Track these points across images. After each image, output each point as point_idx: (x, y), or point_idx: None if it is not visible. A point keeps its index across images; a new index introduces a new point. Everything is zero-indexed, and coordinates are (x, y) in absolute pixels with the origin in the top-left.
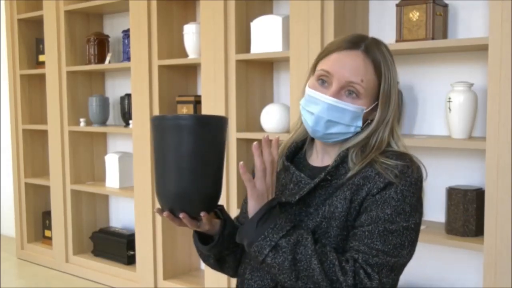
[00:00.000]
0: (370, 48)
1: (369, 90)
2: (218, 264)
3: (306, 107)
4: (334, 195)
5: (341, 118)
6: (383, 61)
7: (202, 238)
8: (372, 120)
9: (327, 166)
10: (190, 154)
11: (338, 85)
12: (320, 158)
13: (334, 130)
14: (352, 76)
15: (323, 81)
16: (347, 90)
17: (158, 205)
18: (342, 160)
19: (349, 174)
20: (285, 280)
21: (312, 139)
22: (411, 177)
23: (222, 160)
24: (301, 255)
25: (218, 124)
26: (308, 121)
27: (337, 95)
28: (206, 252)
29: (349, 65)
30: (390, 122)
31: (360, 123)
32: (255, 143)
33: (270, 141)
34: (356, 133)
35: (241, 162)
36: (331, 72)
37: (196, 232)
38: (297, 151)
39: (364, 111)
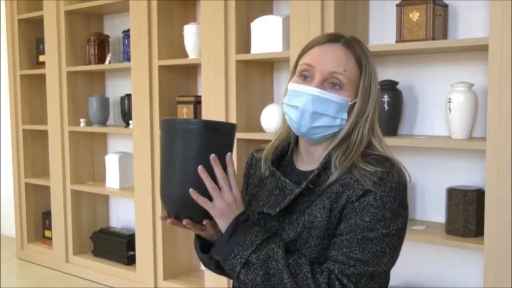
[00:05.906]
0: (350, 42)
1: (352, 81)
2: (219, 269)
3: (290, 102)
4: (314, 204)
5: (326, 109)
6: (363, 56)
7: (203, 244)
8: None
9: (312, 171)
10: (196, 158)
11: (321, 77)
12: (306, 161)
13: (319, 122)
14: (334, 67)
15: (305, 76)
16: (330, 82)
17: (158, 207)
18: (324, 167)
19: (328, 181)
20: None
21: (296, 143)
22: (390, 182)
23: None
24: (273, 269)
25: (226, 131)
26: (293, 116)
27: (320, 86)
28: (206, 260)
29: (331, 56)
30: (370, 117)
31: (345, 115)
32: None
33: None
34: (337, 132)
35: (191, 189)
36: (313, 65)
37: (198, 238)
38: (283, 155)
39: (349, 103)
